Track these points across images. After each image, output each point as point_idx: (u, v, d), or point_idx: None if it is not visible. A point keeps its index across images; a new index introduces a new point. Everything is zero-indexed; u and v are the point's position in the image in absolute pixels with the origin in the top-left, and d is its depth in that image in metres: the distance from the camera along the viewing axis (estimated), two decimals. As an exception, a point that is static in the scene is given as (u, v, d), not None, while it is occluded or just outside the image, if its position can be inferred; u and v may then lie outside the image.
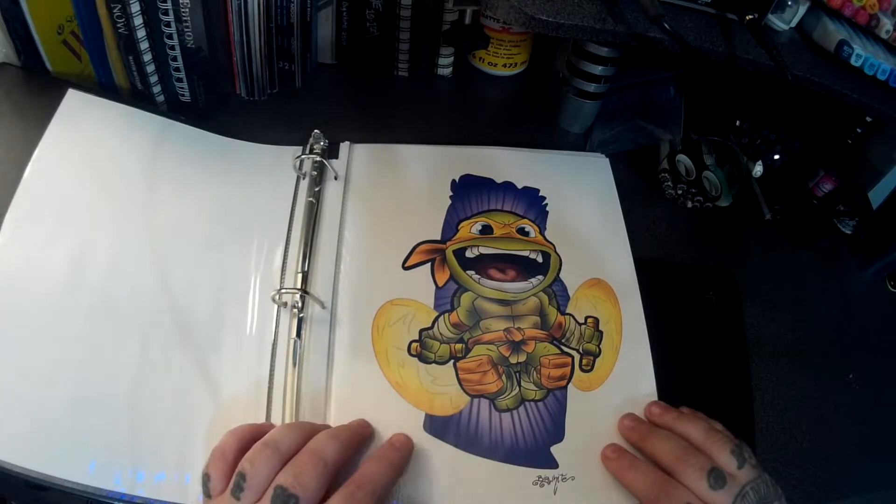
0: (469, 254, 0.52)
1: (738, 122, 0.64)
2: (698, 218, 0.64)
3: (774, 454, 0.49)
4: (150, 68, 0.57)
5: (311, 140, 0.56)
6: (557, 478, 0.43)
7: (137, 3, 0.52)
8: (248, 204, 0.53)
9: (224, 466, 0.36)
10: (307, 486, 0.34)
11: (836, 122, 0.64)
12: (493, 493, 0.42)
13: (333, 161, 0.56)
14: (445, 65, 0.71)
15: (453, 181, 0.57)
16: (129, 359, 0.43)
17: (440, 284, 0.50)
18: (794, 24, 0.55)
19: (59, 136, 0.50)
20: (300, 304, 0.46)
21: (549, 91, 0.71)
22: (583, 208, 0.57)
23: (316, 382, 0.44)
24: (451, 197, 0.56)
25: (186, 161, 0.53)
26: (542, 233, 0.55)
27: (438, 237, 0.53)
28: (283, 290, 0.47)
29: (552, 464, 0.44)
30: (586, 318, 0.50)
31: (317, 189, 0.53)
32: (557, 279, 0.52)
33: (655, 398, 0.47)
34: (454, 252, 0.52)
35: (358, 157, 0.57)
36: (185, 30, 0.55)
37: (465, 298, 0.50)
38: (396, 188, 0.56)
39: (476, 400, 0.45)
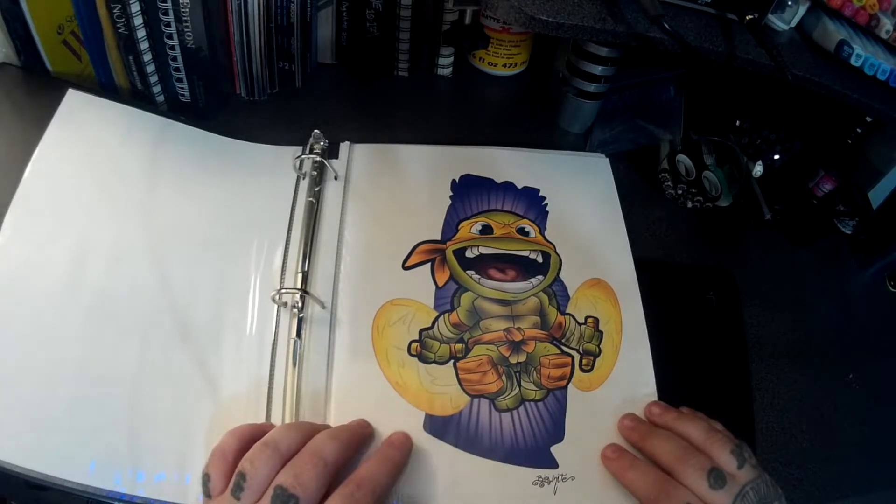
0: (469, 254, 0.52)
1: (738, 122, 0.64)
2: (698, 218, 0.64)
3: (774, 454, 0.49)
4: (150, 68, 0.57)
5: (311, 140, 0.56)
6: (557, 478, 0.43)
7: (137, 3, 0.52)
8: (248, 204, 0.53)
9: (224, 466, 0.36)
10: (307, 486, 0.34)
11: (836, 122, 0.64)
12: (493, 493, 0.42)
13: (333, 161, 0.56)
14: (445, 65, 0.71)
15: (453, 181, 0.57)
16: (129, 359, 0.43)
17: (440, 284, 0.50)
18: (794, 24, 0.55)
19: (59, 136, 0.50)
20: (300, 304, 0.46)
21: (549, 91, 0.71)
22: (583, 208, 0.57)
23: (316, 382, 0.44)
24: (451, 197, 0.56)
25: (186, 161, 0.53)
26: (542, 233, 0.55)
27: (438, 237, 0.53)
28: (283, 290, 0.47)
29: (552, 464, 0.44)
30: (586, 318, 0.50)
31: (317, 189, 0.53)
32: (557, 279, 0.52)
33: (655, 398, 0.47)
34: (454, 252, 0.52)
35: (358, 157, 0.57)
36: (185, 30, 0.55)
37: (465, 298, 0.50)
38: (396, 188, 0.56)
39: (476, 400, 0.45)
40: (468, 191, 0.57)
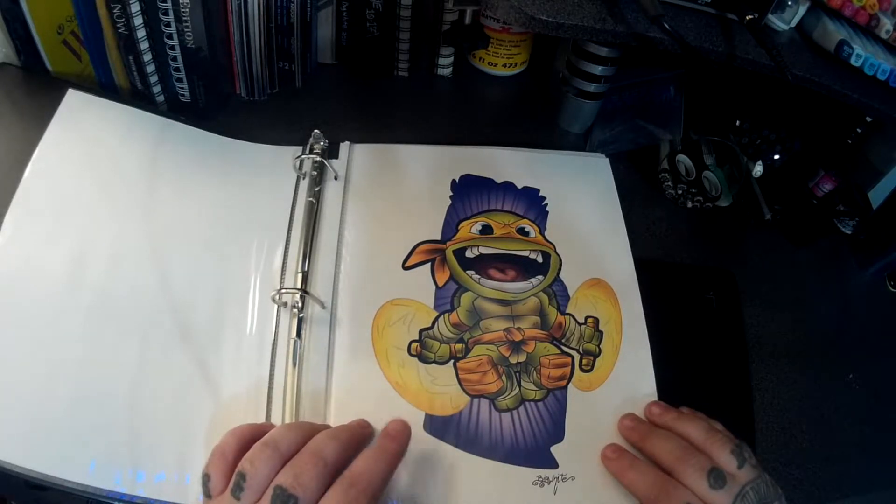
0: (469, 254, 0.52)
1: (738, 122, 0.64)
2: (698, 218, 0.64)
3: (774, 454, 0.49)
4: (150, 68, 0.57)
5: (311, 140, 0.56)
6: (557, 478, 0.43)
7: (137, 3, 0.52)
8: (248, 204, 0.53)
9: (224, 466, 0.36)
10: (307, 487, 0.34)
11: (836, 122, 0.64)
12: (493, 493, 0.42)
13: (333, 161, 0.56)
14: (445, 65, 0.71)
15: (453, 181, 0.57)
16: (129, 359, 0.43)
17: (440, 284, 0.50)
18: (794, 24, 0.55)
19: (59, 136, 0.50)
20: (300, 304, 0.46)
21: (549, 91, 0.71)
22: (583, 208, 0.57)
23: (316, 382, 0.44)
24: (451, 197, 0.56)
25: (186, 161, 0.53)
26: (542, 233, 0.55)
27: (438, 237, 0.53)
28: (283, 290, 0.47)
29: (552, 464, 0.44)
30: (586, 318, 0.50)
31: (317, 189, 0.53)
32: (557, 279, 0.52)
33: (655, 398, 0.47)
34: (454, 252, 0.52)
35: (358, 157, 0.57)
36: (185, 30, 0.55)
37: (465, 298, 0.50)
38: (396, 188, 0.56)
39: (476, 400, 0.45)
40: (468, 191, 0.57)
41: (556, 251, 0.54)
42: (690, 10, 0.53)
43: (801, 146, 0.65)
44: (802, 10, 0.54)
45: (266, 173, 0.55)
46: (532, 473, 0.43)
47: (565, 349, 0.49)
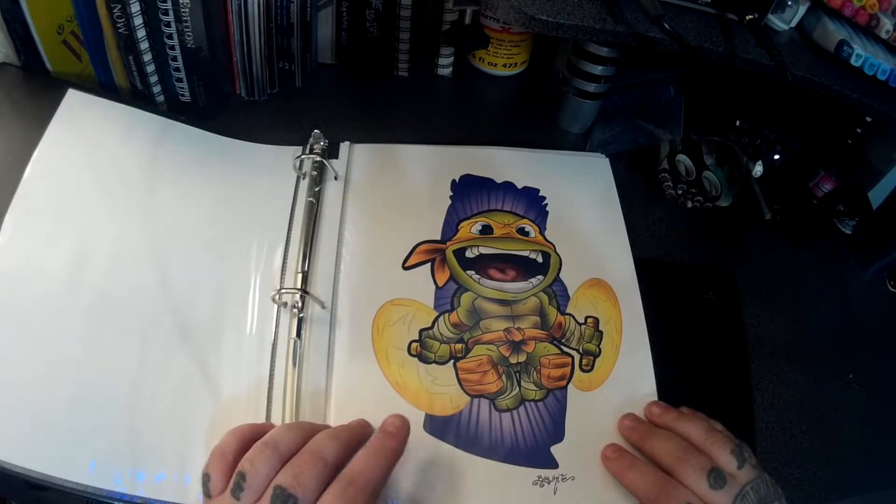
0: (469, 254, 0.52)
1: (738, 122, 0.64)
2: (698, 218, 0.64)
3: (774, 454, 0.49)
4: (150, 68, 0.57)
5: (311, 140, 0.56)
6: (557, 478, 0.43)
7: (137, 3, 0.52)
8: (248, 204, 0.53)
9: (224, 466, 0.36)
10: (307, 487, 0.34)
11: (836, 122, 0.64)
12: (493, 493, 0.42)
13: (333, 161, 0.56)
14: (445, 65, 0.71)
15: (453, 181, 0.57)
16: (129, 359, 0.43)
17: (440, 284, 0.50)
18: (794, 24, 0.55)
19: (59, 136, 0.50)
20: (300, 304, 0.46)
21: (549, 91, 0.71)
22: (583, 208, 0.57)
23: (316, 382, 0.44)
24: (451, 197, 0.56)
25: (186, 161, 0.53)
26: (542, 233, 0.55)
27: (438, 237, 0.53)
28: (283, 290, 0.47)
29: (552, 464, 0.44)
30: (586, 318, 0.50)
31: (317, 189, 0.53)
32: (557, 279, 0.52)
33: (655, 398, 0.47)
34: (454, 252, 0.52)
35: (358, 157, 0.57)
36: (185, 30, 0.55)
37: (465, 298, 0.50)
38: (396, 188, 0.56)
39: (476, 400, 0.45)
40: (468, 191, 0.57)
41: (556, 251, 0.54)
42: (690, 10, 0.53)
43: (801, 146, 0.65)
44: (802, 10, 0.54)
45: (266, 173, 0.55)
46: (532, 473, 0.43)
47: (565, 349, 0.49)
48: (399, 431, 0.40)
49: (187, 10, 0.53)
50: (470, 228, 0.54)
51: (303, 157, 0.55)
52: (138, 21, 0.53)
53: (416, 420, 0.44)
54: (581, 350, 0.49)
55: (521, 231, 0.55)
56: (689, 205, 0.64)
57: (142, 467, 0.40)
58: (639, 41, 0.50)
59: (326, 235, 0.51)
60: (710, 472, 0.39)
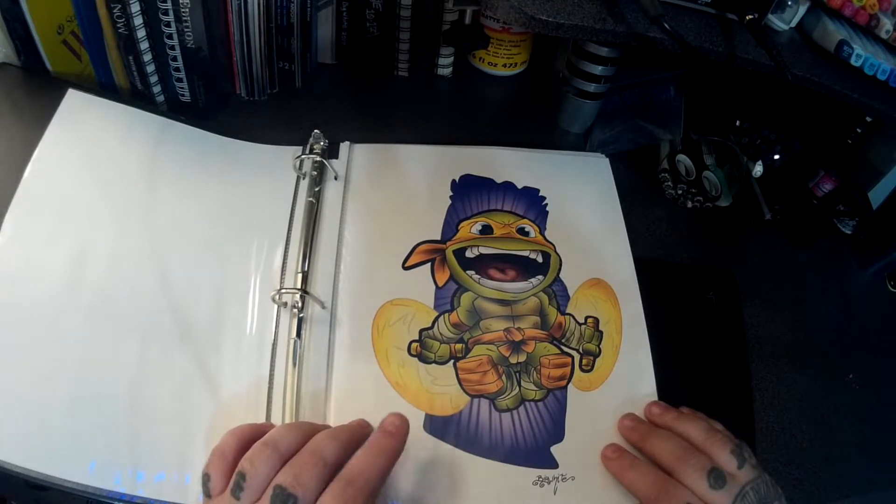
0: (469, 254, 0.52)
1: (738, 122, 0.64)
2: (698, 218, 0.64)
3: (774, 454, 0.49)
4: (150, 68, 0.57)
5: (311, 140, 0.56)
6: (557, 478, 0.43)
7: (137, 3, 0.52)
8: (248, 204, 0.53)
9: (224, 466, 0.36)
10: (306, 486, 0.34)
11: (836, 122, 0.64)
12: (493, 493, 0.42)
13: (333, 161, 0.56)
14: (445, 65, 0.71)
15: (453, 181, 0.57)
16: (129, 359, 0.43)
17: (440, 284, 0.50)
18: (794, 24, 0.55)
19: (59, 136, 0.50)
20: (300, 304, 0.46)
21: (549, 91, 0.71)
22: (583, 208, 0.57)
23: (316, 382, 0.44)
24: (451, 197, 0.56)
25: (186, 161, 0.53)
26: (542, 233, 0.55)
27: (438, 237, 0.53)
28: (283, 290, 0.47)
29: (552, 464, 0.44)
30: (586, 318, 0.50)
31: (317, 189, 0.53)
32: (557, 279, 0.52)
33: (655, 398, 0.47)
34: (454, 252, 0.52)
35: (358, 157, 0.57)
36: (185, 30, 0.55)
37: (465, 298, 0.50)
38: (396, 188, 0.56)
39: (476, 400, 0.45)
40: (468, 191, 0.57)
41: (556, 251, 0.54)
42: (690, 10, 0.53)
43: (801, 146, 0.65)
44: (802, 10, 0.54)
45: (266, 173, 0.55)
46: (532, 473, 0.43)
47: (565, 349, 0.49)
48: (398, 430, 0.39)
49: (187, 10, 0.53)
50: (470, 228, 0.54)
51: (303, 157, 0.55)
52: (138, 21, 0.53)
53: (416, 420, 0.44)
54: (581, 350, 0.49)
55: (521, 231, 0.55)
56: (689, 205, 0.64)
57: (142, 467, 0.40)
58: (639, 41, 0.50)
59: (326, 235, 0.51)
60: (710, 472, 0.39)
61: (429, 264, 0.51)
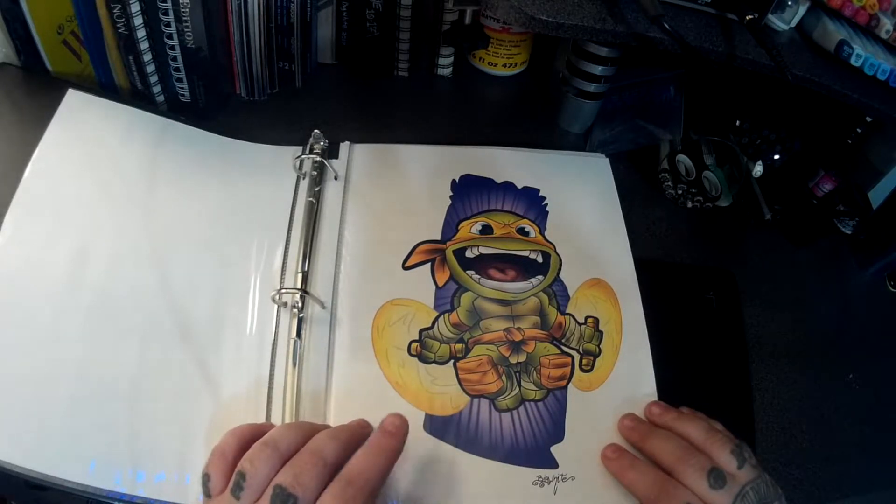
0: (469, 254, 0.52)
1: (738, 122, 0.64)
2: (698, 218, 0.64)
3: (774, 454, 0.49)
4: (150, 68, 0.57)
5: (311, 140, 0.56)
6: (557, 478, 0.43)
7: (137, 3, 0.52)
8: (248, 204, 0.53)
9: (224, 466, 0.36)
10: (306, 486, 0.34)
11: (836, 122, 0.64)
12: (493, 493, 0.42)
13: (333, 161, 0.56)
14: (445, 65, 0.71)
15: (453, 181, 0.57)
16: (129, 359, 0.43)
17: (440, 284, 0.50)
18: (794, 24, 0.55)
19: (59, 136, 0.50)
20: (300, 304, 0.46)
21: (549, 91, 0.71)
22: (583, 208, 0.57)
23: (316, 382, 0.44)
24: (451, 197, 0.56)
25: (186, 161, 0.53)
26: (542, 233, 0.55)
27: (438, 237, 0.53)
28: (283, 290, 0.47)
29: (552, 464, 0.44)
30: (586, 318, 0.50)
31: (317, 189, 0.53)
32: (557, 279, 0.52)
33: (655, 398, 0.47)
34: (454, 252, 0.52)
35: (358, 157, 0.57)
36: (185, 30, 0.55)
37: (465, 298, 0.50)
38: (396, 188, 0.56)
39: (476, 400, 0.45)
40: (468, 191, 0.57)
41: (556, 251, 0.54)
42: (690, 10, 0.53)
43: (801, 146, 0.65)
44: (802, 10, 0.54)
45: (266, 173, 0.55)
46: (532, 473, 0.43)
47: (565, 349, 0.49)
48: (398, 430, 0.39)
49: (187, 10, 0.53)
50: (470, 228, 0.54)
51: (303, 157, 0.55)
52: (138, 21, 0.53)
53: (416, 420, 0.44)
54: (581, 350, 0.49)
55: (521, 231, 0.55)
56: (689, 205, 0.64)
57: (142, 467, 0.40)
58: (639, 41, 0.50)
59: (326, 235, 0.51)
60: (710, 472, 0.39)
61: (429, 264, 0.51)
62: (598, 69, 0.61)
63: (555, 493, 0.42)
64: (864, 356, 0.57)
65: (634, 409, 0.46)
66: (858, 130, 0.63)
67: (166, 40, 0.55)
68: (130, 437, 0.41)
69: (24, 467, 0.38)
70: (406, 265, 0.51)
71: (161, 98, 0.59)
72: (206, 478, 0.36)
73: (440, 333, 0.48)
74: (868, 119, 0.62)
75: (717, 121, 0.65)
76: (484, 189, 0.57)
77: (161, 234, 0.49)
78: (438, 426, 0.44)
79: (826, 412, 0.53)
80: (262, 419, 0.43)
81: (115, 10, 0.52)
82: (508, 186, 0.57)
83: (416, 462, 0.42)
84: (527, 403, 0.46)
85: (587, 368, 0.48)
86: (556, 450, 0.44)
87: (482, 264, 0.52)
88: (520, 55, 0.72)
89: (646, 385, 0.48)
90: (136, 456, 0.40)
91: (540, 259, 0.53)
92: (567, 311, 0.50)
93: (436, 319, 0.49)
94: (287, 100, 0.65)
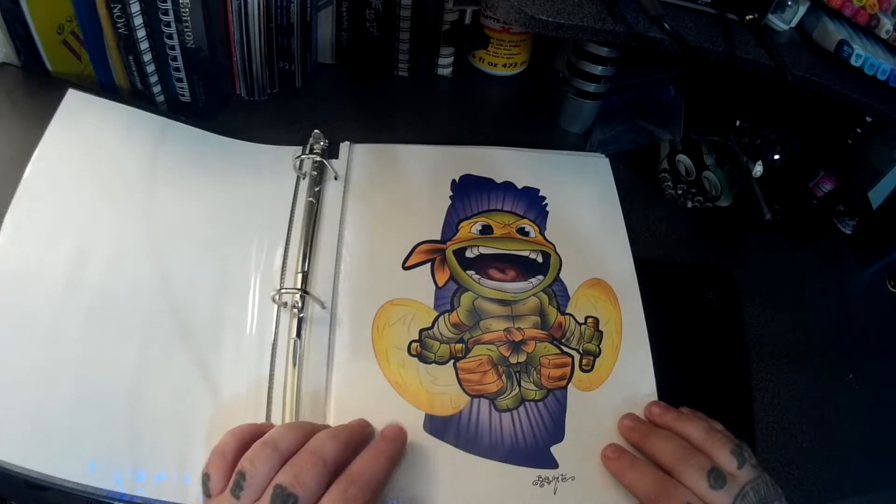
0: (469, 254, 0.52)
1: (738, 122, 0.64)
2: (698, 218, 0.64)
3: (774, 454, 0.49)
4: (150, 68, 0.57)
5: (311, 140, 0.56)
6: (557, 478, 0.43)
7: (137, 3, 0.52)
8: (248, 204, 0.53)
9: (224, 466, 0.36)
10: (306, 486, 0.34)
11: (836, 122, 0.64)
12: (493, 493, 0.42)
13: (333, 161, 0.56)
14: (445, 65, 0.71)
15: (453, 181, 0.57)
16: (129, 359, 0.43)
17: (440, 284, 0.50)
18: (794, 24, 0.55)
19: (59, 136, 0.50)
20: (300, 304, 0.46)
21: (549, 91, 0.71)
22: (583, 208, 0.57)
23: (316, 382, 0.44)
24: (451, 197, 0.56)
25: (186, 161, 0.53)
26: (542, 233, 0.55)
27: (438, 237, 0.53)
28: (283, 290, 0.47)
29: (552, 464, 0.44)
30: (586, 318, 0.50)
31: (317, 189, 0.53)
32: (557, 279, 0.52)
33: (655, 398, 0.47)
34: (454, 252, 0.52)
35: (358, 157, 0.57)
36: (185, 30, 0.55)
37: (465, 298, 0.50)
38: (396, 188, 0.56)
39: (476, 400, 0.45)
40: (468, 191, 0.57)
41: (556, 251, 0.54)
42: (690, 10, 0.53)
43: (801, 146, 0.65)
44: (802, 10, 0.54)
45: (266, 173, 0.55)
46: (532, 473, 0.43)
47: (565, 349, 0.49)
48: (399, 436, 0.41)
49: (187, 10, 0.53)
50: (470, 228, 0.54)
51: (303, 157, 0.55)
52: (138, 21, 0.53)
53: (416, 420, 0.44)
54: (581, 350, 0.49)
55: (521, 231, 0.55)
56: (689, 205, 0.64)
57: (142, 467, 0.40)
58: (639, 41, 0.50)
59: (326, 235, 0.51)
60: (710, 472, 0.39)
61: (429, 264, 0.51)
62: (598, 69, 0.61)
63: (555, 493, 0.42)
64: (864, 356, 0.57)
65: (634, 409, 0.46)
66: (858, 130, 0.63)
67: (166, 40, 0.55)
68: (130, 437, 0.41)
69: (24, 467, 0.38)
70: (406, 265, 0.51)
71: (161, 98, 0.59)
72: (205, 477, 0.36)
73: (440, 333, 0.48)
74: (868, 119, 0.62)
75: (717, 121, 0.65)
76: (484, 189, 0.57)
77: (161, 234, 0.49)
78: (438, 426, 0.44)
79: (826, 412, 0.53)
80: (262, 419, 0.43)
81: (115, 10, 0.52)
82: (508, 186, 0.57)
83: (416, 462, 0.42)
84: (527, 403, 0.46)
85: (587, 368, 0.48)
86: (556, 450, 0.44)
87: (482, 264, 0.52)
88: (520, 55, 0.72)
89: (646, 385, 0.48)
90: (136, 456, 0.40)
91: (540, 259, 0.53)
92: (567, 311, 0.50)
93: (436, 319, 0.49)
94: (287, 100, 0.65)
